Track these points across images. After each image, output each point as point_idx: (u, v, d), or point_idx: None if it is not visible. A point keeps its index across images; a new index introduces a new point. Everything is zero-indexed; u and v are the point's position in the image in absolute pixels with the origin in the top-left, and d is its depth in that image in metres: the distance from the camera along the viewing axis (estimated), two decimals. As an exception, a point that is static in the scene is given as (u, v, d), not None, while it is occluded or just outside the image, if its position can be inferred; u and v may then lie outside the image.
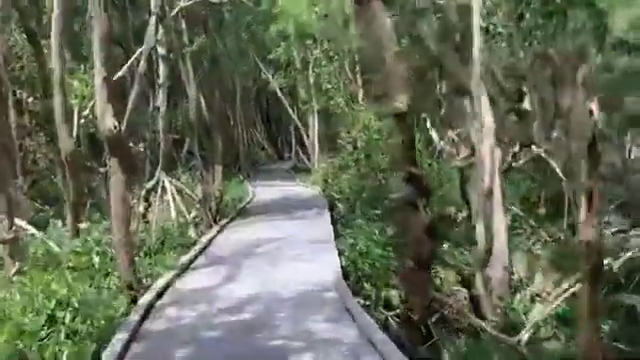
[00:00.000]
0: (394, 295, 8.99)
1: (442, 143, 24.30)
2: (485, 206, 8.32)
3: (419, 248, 6.69)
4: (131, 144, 8.22)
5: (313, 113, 29.02)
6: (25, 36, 16.61)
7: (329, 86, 20.82)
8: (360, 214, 15.00)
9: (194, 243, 12.60)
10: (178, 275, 9.55)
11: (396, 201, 6.46)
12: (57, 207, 15.53)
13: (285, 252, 10.99)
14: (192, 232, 13.40)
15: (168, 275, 9.32)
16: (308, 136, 31.29)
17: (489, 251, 8.22)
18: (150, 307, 7.66)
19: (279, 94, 31.71)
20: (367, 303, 8.51)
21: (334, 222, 14.59)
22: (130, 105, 8.32)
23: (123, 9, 22.36)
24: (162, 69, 13.15)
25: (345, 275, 9.24)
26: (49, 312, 7.06)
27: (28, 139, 18.80)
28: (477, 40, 7.96)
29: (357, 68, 25.65)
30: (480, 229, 8.05)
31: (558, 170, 14.38)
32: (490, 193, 8.63)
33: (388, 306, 8.70)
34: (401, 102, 6.26)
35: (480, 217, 8.07)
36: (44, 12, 16.60)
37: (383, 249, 10.52)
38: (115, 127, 8.14)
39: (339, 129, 28.51)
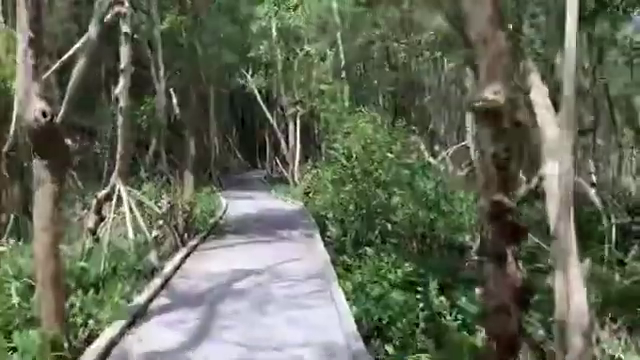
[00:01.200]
0: (425, 363, 6.68)
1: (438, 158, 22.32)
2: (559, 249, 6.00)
3: (503, 320, 4.38)
4: (68, 140, 5.71)
5: (295, 118, 26.64)
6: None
7: (324, 87, 18.40)
8: (355, 239, 12.72)
9: (154, 271, 9.96)
10: (131, 324, 6.92)
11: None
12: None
13: (274, 291, 8.50)
14: (153, 256, 10.69)
15: (117, 325, 6.68)
16: (287, 143, 28.84)
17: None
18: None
19: (257, 97, 29.21)
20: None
21: (326, 247, 12.19)
22: (71, 84, 5.73)
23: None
24: (124, 51, 10.54)
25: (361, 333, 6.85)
26: None
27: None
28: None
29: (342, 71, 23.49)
30: (559, 283, 5.74)
31: None
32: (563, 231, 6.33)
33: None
34: (495, 92, 3.96)
35: (558, 265, 5.75)
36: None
37: (403, 292, 8.23)
38: (45, 115, 5.54)
39: (323, 137, 26.32)
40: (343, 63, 24.50)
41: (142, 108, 17.16)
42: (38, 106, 5.46)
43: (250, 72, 29.32)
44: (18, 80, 5.42)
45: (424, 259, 10.43)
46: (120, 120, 10.93)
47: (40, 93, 5.52)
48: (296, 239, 13.35)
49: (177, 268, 10.02)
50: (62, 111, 5.84)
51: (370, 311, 7.65)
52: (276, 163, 39.06)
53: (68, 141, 5.97)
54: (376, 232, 12.42)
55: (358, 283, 8.66)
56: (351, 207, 13.62)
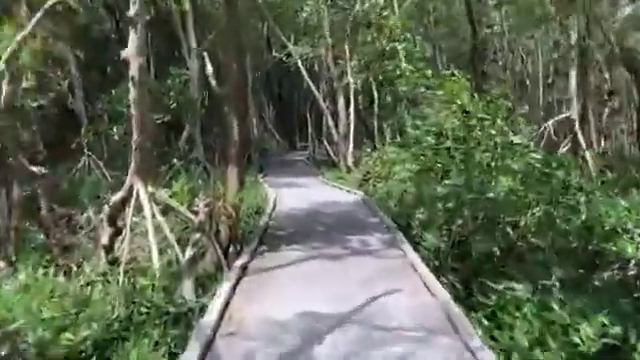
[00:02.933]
0: None
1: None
2: None
3: None
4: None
5: (348, 92, 22.95)
6: None
7: (400, 46, 14.57)
8: (462, 250, 9.29)
9: (187, 313, 6.78)
10: None
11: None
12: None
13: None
14: (187, 289, 7.50)
15: None
16: (336, 122, 25.20)
17: None
18: None
19: (301, 69, 25.55)
20: None
21: (427, 265, 8.71)
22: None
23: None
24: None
25: None
26: None
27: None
28: None
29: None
30: None
31: None
32: None
33: None
34: None
35: None
36: None
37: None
38: None
39: (387, 112, 22.69)
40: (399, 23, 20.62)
41: (169, 82, 13.92)
42: None
43: (292, 41, 25.70)
44: None
45: (592, 292, 6.86)
46: (132, 94, 7.66)
47: None
48: (378, 251, 9.92)
49: (223, 312, 6.73)
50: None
51: None
52: (319, 143, 35.72)
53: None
54: (498, 240, 8.91)
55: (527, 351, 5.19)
56: (449, 204, 10.05)
